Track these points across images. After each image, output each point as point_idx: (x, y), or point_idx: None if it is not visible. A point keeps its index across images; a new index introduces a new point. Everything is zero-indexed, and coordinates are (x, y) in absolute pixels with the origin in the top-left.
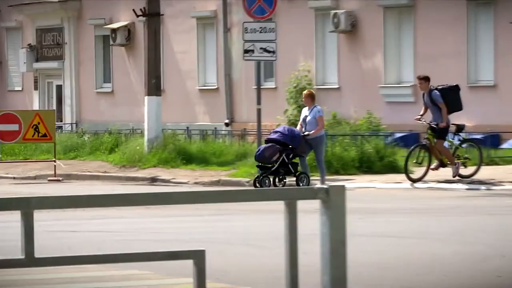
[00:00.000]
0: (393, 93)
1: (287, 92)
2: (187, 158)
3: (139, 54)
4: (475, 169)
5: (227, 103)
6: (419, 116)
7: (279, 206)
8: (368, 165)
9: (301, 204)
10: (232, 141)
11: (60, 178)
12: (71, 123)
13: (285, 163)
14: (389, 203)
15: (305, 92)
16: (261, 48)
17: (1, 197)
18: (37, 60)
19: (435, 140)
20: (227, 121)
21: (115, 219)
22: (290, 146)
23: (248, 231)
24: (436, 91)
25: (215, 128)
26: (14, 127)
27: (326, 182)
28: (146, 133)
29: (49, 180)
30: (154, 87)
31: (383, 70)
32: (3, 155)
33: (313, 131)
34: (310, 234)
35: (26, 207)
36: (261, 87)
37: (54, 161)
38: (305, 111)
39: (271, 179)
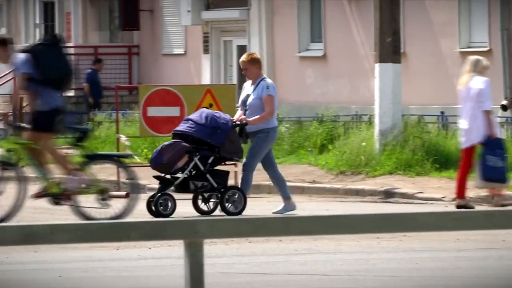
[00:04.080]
0: None
1: None
2: (442, 161)
3: (365, 0)
4: None
5: (505, 74)
6: None
7: None
8: None
9: None
10: None
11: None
12: None
13: (200, 172)
14: None
15: (242, 58)
16: None
17: (154, 219)
18: (207, 8)
19: None
20: (504, 102)
21: (326, 255)
22: (209, 145)
23: None
24: None
25: None
26: (173, 111)
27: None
28: (376, 121)
29: None
30: (390, 49)
31: None
32: None
33: (253, 118)
34: None
35: (192, 234)
36: None
37: (235, 164)
38: (247, 87)
39: (198, 199)
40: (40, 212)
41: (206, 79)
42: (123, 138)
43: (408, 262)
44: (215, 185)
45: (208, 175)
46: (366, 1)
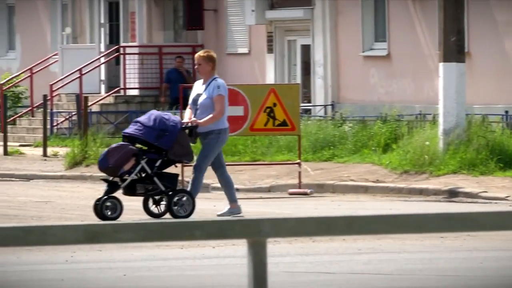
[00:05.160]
0: None
1: None
2: (506, 161)
3: (429, 0)
4: None
5: None
6: None
7: None
8: None
9: None
10: None
11: (308, 191)
12: (324, 105)
13: (148, 175)
14: None
15: (199, 53)
16: None
17: (217, 218)
18: (271, 7)
19: None
20: None
21: (390, 254)
22: (157, 148)
23: None
24: None
25: None
26: (237, 110)
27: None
28: (440, 120)
29: (290, 194)
30: (454, 48)
31: None
32: None
33: (204, 119)
34: None
35: (255, 234)
36: None
37: (299, 163)
38: (198, 86)
39: (152, 202)
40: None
41: (270, 79)
42: None
43: (472, 262)
44: (163, 188)
45: (155, 178)
46: (430, 1)
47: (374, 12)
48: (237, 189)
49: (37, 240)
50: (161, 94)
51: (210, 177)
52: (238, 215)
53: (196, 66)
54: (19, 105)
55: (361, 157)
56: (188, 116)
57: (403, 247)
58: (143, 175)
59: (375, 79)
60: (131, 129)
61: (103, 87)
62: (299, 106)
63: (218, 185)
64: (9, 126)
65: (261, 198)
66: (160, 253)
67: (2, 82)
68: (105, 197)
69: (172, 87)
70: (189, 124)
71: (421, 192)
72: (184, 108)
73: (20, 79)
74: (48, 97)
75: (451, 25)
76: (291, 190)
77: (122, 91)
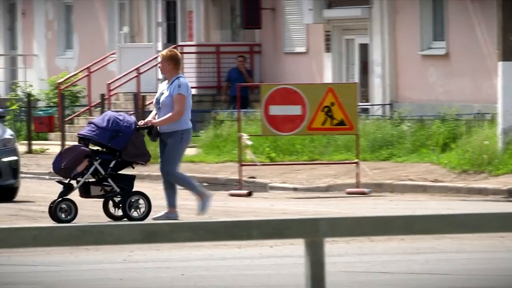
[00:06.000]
0: None
1: None
2: None
3: None
4: None
5: None
6: None
7: None
8: None
9: None
10: None
11: (366, 190)
12: (382, 104)
13: (102, 176)
14: None
15: (163, 52)
16: None
17: (274, 218)
18: (329, 6)
19: None
20: None
21: (448, 254)
22: (110, 148)
23: None
24: None
25: None
26: (295, 109)
27: (169, 215)
28: (499, 119)
29: (348, 193)
30: None
31: None
32: (277, 153)
33: (159, 119)
34: None
35: (313, 233)
36: None
37: (357, 163)
38: (162, 86)
39: (110, 203)
40: (161, 210)
41: (327, 78)
42: (244, 136)
43: None
44: (117, 189)
45: (109, 179)
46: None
47: (432, 10)
48: (295, 189)
49: (94, 239)
50: (222, 92)
51: (267, 176)
52: (176, 219)
53: (158, 65)
54: (77, 104)
55: (420, 156)
56: (151, 116)
57: (462, 247)
58: (101, 176)
59: (434, 78)
60: (84, 130)
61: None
62: (357, 106)
63: (276, 184)
64: (66, 125)
65: (318, 197)
66: (218, 253)
67: (59, 81)
68: (59, 199)
69: (232, 86)
70: (144, 124)
71: (480, 191)
72: (242, 107)
73: (77, 78)
74: (106, 96)
75: (510, 24)
76: (349, 190)
77: None
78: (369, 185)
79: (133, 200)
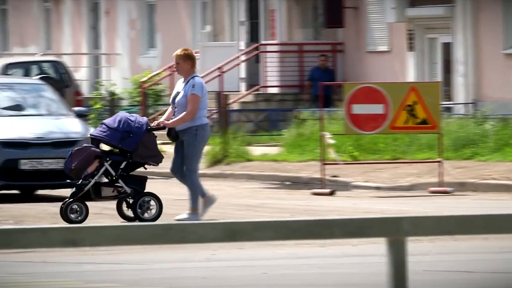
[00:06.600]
0: None
1: None
2: None
3: None
4: None
5: None
6: None
7: None
8: None
9: None
10: None
11: (449, 189)
12: (465, 103)
13: (113, 177)
14: None
15: (177, 52)
16: None
17: (356, 217)
18: (412, 5)
19: None
20: None
21: None
22: (121, 149)
23: None
24: None
25: None
26: (377, 108)
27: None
28: None
29: (431, 192)
30: None
31: None
32: (360, 152)
33: (171, 120)
34: None
35: (395, 232)
36: None
37: (440, 162)
38: (178, 85)
39: (124, 204)
40: (243, 209)
41: (410, 77)
42: (327, 135)
43: None
44: (128, 190)
45: (120, 180)
46: None
47: None
48: (378, 188)
49: (177, 238)
50: (304, 91)
51: (350, 175)
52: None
53: (174, 65)
54: (160, 103)
55: (503, 155)
56: (166, 115)
57: None
58: (114, 177)
59: None
60: (96, 131)
61: (243, 85)
62: (440, 104)
63: (358, 183)
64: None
65: (401, 196)
66: (301, 252)
67: (142, 79)
68: (71, 200)
69: (314, 85)
70: (156, 125)
71: None
72: (324, 106)
73: (161, 77)
74: None
75: None
76: (432, 189)
77: (261, 89)
78: (452, 184)
79: (143, 201)
